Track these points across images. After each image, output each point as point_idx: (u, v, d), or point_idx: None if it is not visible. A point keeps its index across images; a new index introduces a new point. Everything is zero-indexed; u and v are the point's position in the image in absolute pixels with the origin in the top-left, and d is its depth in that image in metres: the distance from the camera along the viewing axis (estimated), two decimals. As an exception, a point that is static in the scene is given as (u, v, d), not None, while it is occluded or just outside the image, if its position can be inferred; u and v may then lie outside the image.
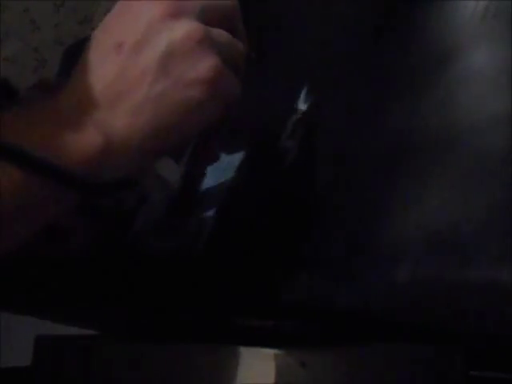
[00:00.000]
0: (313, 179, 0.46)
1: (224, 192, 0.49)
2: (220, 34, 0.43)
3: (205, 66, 0.41)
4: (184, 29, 0.41)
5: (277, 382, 0.42)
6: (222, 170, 0.50)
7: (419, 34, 0.44)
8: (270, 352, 0.43)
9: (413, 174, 0.41)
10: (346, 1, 0.50)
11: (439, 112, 0.42)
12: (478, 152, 0.40)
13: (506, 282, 0.37)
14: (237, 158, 0.49)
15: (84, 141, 0.39)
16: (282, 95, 0.49)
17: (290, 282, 0.44)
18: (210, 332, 0.48)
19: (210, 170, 0.50)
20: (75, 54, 0.66)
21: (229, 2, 0.44)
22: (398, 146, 0.43)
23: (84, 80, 0.41)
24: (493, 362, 0.59)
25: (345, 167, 0.44)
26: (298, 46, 0.51)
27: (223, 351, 0.45)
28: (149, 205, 0.52)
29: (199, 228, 0.49)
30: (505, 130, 0.39)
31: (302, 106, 0.47)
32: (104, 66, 0.41)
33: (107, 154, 0.39)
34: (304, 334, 0.46)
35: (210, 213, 0.49)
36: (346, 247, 0.42)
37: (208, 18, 0.42)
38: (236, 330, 0.47)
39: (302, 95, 0.48)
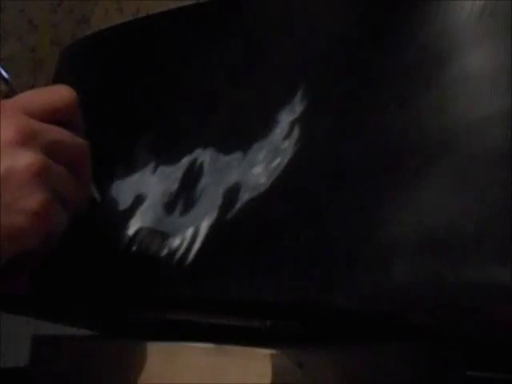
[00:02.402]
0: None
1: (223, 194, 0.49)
2: (59, 170, 0.45)
3: (34, 198, 0.42)
4: (26, 159, 0.43)
5: (273, 382, 0.42)
6: (219, 170, 0.50)
7: (416, 33, 0.44)
8: (266, 352, 0.43)
9: (410, 173, 0.41)
10: (344, 1, 0.49)
11: (436, 112, 0.42)
12: (475, 152, 0.39)
13: (504, 281, 0.37)
14: (235, 157, 0.49)
15: None
16: (278, 95, 0.49)
17: (287, 281, 0.44)
18: (207, 332, 0.48)
19: (209, 169, 0.50)
20: (72, 54, 0.66)
21: (79, 143, 0.46)
22: (394, 145, 0.43)
23: None
24: (491, 362, 0.59)
25: (341, 167, 0.44)
26: (295, 46, 0.50)
27: (220, 351, 0.45)
28: (145, 206, 0.52)
29: (195, 229, 0.49)
30: (503, 130, 0.39)
31: (299, 106, 0.47)
32: None
33: None
34: (301, 334, 0.46)
35: (208, 214, 0.49)
36: (344, 247, 0.42)
37: (53, 152, 0.44)
38: (233, 330, 0.47)
39: (299, 95, 0.48)
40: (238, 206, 0.47)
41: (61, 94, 0.47)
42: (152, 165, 0.54)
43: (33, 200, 0.42)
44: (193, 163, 0.51)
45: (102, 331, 0.64)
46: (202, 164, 0.51)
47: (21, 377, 0.57)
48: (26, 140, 0.43)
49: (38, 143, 0.44)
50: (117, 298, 0.51)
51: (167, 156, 0.53)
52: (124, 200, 0.54)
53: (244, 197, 0.47)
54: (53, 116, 0.46)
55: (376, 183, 0.43)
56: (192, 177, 0.51)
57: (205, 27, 0.57)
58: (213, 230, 0.48)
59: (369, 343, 0.48)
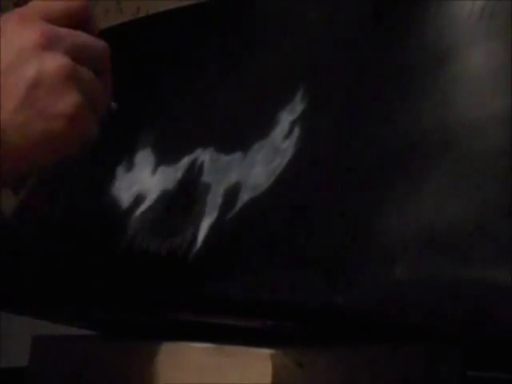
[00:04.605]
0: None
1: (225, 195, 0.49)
2: (86, 73, 0.44)
3: (68, 101, 0.42)
4: (55, 62, 0.42)
5: (273, 382, 0.42)
6: (219, 170, 0.50)
7: (416, 34, 0.44)
8: (266, 352, 0.43)
9: (411, 173, 0.41)
10: (344, 1, 0.50)
11: (436, 112, 0.42)
12: (475, 152, 0.39)
13: (503, 281, 0.37)
14: (235, 157, 0.49)
15: None
16: (278, 95, 0.49)
17: (288, 281, 0.44)
18: (208, 332, 0.48)
19: (209, 169, 0.50)
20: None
21: (101, 46, 0.46)
22: (394, 145, 0.43)
23: None
24: (490, 362, 0.59)
25: (341, 167, 0.44)
26: (295, 46, 0.50)
27: (220, 351, 0.45)
28: (145, 206, 0.52)
29: (196, 229, 0.49)
30: (502, 130, 0.39)
31: (299, 106, 0.47)
32: None
33: None
34: (301, 335, 0.46)
35: (208, 214, 0.49)
36: (345, 247, 0.42)
37: (78, 55, 0.44)
38: (233, 330, 0.47)
39: (299, 95, 0.48)
40: (238, 206, 0.47)
41: None
42: (152, 165, 0.54)
43: (67, 103, 0.42)
44: (193, 163, 0.51)
45: (102, 331, 0.64)
46: (202, 164, 0.51)
47: (21, 377, 0.57)
48: (51, 44, 0.42)
49: (63, 47, 0.43)
50: (117, 298, 0.51)
51: (167, 156, 0.53)
52: (124, 200, 0.54)
53: (244, 197, 0.47)
54: (69, 20, 0.45)
55: (376, 183, 0.43)
56: (192, 177, 0.51)
57: (205, 27, 0.57)
58: (213, 229, 0.48)
59: (369, 343, 0.48)
